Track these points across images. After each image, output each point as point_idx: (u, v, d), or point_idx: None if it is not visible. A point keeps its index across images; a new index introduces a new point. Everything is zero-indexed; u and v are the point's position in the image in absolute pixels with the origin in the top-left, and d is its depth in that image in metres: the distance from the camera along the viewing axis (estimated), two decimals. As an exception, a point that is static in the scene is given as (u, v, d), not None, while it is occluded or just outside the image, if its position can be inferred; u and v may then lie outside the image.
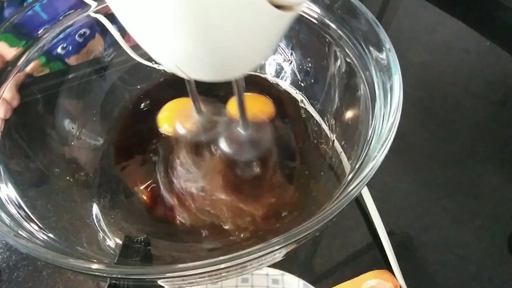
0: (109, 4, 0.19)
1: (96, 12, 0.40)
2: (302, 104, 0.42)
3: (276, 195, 0.35)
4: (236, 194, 0.33)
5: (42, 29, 0.37)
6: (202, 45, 0.18)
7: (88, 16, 0.40)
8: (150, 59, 0.45)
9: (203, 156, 0.33)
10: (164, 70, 0.46)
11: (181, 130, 0.32)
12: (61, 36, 0.38)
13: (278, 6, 0.17)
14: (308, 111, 0.42)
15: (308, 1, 0.37)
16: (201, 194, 0.33)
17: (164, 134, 0.39)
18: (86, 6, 0.39)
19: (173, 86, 0.44)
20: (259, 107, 0.40)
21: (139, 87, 0.46)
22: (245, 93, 0.28)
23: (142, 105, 0.44)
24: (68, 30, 0.39)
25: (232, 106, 0.38)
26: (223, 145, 0.31)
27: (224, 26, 0.17)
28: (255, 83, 0.45)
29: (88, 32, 0.41)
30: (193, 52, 0.19)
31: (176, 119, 0.35)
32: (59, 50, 0.40)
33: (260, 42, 0.20)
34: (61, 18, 0.38)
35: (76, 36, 0.41)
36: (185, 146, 0.34)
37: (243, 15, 0.17)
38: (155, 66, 0.46)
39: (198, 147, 0.33)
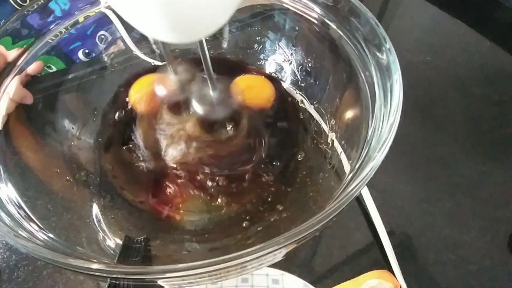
0: None
1: (106, 8, 0.41)
2: (302, 104, 0.42)
3: (245, 154, 0.37)
4: (210, 150, 0.36)
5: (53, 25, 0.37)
6: (161, 4, 0.19)
7: (99, 12, 0.40)
8: (153, 57, 0.46)
9: (180, 115, 0.36)
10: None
11: (161, 90, 0.34)
12: (74, 32, 0.39)
13: None
14: (308, 111, 0.42)
15: (308, 1, 0.37)
16: (180, 148, 0.36)
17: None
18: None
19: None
20: (257, 91, 0.41)
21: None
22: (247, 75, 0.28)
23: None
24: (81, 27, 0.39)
25: (240, 82, 0.40)
26: (195, 105, 0.32)
27: None
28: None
29: (109, 38, 0.42)
30: (154, 12, 0.20)
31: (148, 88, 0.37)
32: (80, 54, 0.41)
33: (217, 3, 0.20)
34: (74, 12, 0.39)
35: (97, 39, 0.42)
36: (165, 106, 0.37)
37: None
38: (157, 62, 0.46)
39: (176, 107, 0.36)
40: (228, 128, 0.37)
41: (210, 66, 0.29)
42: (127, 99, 0.42)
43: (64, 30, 0.38)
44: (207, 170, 0.36)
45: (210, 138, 0.36)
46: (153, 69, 0.45)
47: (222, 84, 0.32)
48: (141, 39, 0.45)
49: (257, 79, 0.44)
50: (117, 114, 0.42)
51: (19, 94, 0.35)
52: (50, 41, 0.37)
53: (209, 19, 0.22)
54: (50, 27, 0.37)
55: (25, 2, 0.41)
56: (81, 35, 0.40)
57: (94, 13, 0.40)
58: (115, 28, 0.43)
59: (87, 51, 0.42)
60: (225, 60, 0.47)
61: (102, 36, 0.42)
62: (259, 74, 0.45)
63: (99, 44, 0.42)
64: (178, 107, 0.36)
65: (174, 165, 0.37)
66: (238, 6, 0.22)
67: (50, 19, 0.37)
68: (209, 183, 0.37)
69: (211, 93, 0.32)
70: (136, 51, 0.45)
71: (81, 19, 0.39)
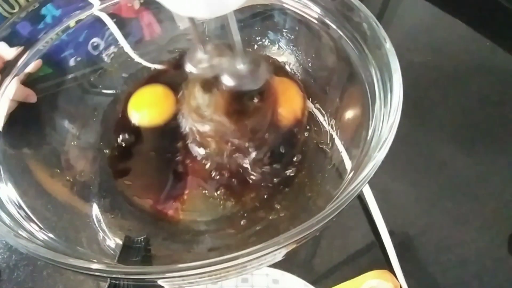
0: None
1: (100, 10, 0.40)
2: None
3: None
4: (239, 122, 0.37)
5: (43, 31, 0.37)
6: None
7: (91, 15, 0.40)
8: (150, 59, 0.46)
9: (211, 91, 0.36)
10: (163, 70, 0.46)
11: (191, 68, 0.34)
12: (66, 39, 0.39)
13: None
14: (308, 111, 0.42)
15: (308, 1, 0.37)
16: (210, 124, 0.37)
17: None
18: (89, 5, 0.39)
19: (172, 86, 0.44)
20: (289, 104, 0.41)
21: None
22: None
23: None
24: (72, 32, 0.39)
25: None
26: (226, 80, 0.33)
27: None
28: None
29: (102, 45, 0.42)
30: None
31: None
32: (71, 62, 0.40)
33: None
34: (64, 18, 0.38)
35: (89, 46, 0.41)
36: (197, 83, 0.37)
37: None
38: (155, 66, 0.46)
39: (207, 83, 0.36)
40: (255, 100, 0.38)
41: (239, 39, 0.29)
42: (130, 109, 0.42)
43: (56, 36, 0.38)
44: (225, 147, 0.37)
45: (239, 109, 0.37)
46: (154, 76, 0.46)
47: (251, 57, 0.33)
48: (138, 43, 0.45)
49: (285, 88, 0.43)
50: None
51: (22, 93, 0.35)
52: (41, 48, 0.37)
53: None
54: (40, 35, 0.37)
55: (14, 9, 0.41)
56: (73, 42, 0.40)
57: (86, 16, 0.39)
58: (109, 33, 0.42)
59: (79, 58, 0.41)
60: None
61: (95, 43, 0.42)
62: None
63: (91, 52, 0.42)
64: (209, 85, 0.37)
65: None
66: None
67: (41, 26, 0.36)
68: (216, 176, 0.37)
69: (241, 66, 0.33)
70: (133, 55, 0.44)
71: (72, 24, 0.39)
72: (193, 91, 0.37)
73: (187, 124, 0.39)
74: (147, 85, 0.44)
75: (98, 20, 0.41)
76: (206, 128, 0.37)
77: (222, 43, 0.34)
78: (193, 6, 0.23)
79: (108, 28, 0.42)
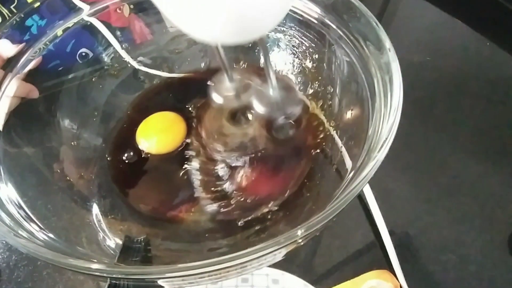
0: None
1: (89, 15, 0.39)
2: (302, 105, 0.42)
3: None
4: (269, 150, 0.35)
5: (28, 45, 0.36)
6: (221, 4, 0.18)
7: (80, 21, 0.39)
8: (144, 63, 0.45)
9: (239, 122, 0.35)
10: (162, 71, 0.46)
11: (218, 98, 0.32)
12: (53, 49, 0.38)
13: None
14: (308, 111, 0.42)
15: (308, 1, 0.37)
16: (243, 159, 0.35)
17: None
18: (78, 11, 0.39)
19: (170, 90, 0.44)
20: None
21: (138, 87, 0.46)
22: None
23: (141, 106, 0.44)
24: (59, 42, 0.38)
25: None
26: (257, 107, 0.32)
27: None
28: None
29: (90, 54, 0.41)
30: (215, 13, 0.19)
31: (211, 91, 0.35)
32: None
33: None
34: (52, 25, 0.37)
35: (77, 57, 0.41)
36: (223, 113, 0.36)
37: None
38: (152, 71, 0.46)
39: (235, 113, 0.35)
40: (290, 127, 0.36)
41: (271, 64, 0.28)
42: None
43: (44, 46, 0.37)
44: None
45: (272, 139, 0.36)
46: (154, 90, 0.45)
47: (281, 82, 0.31)
48: (132, 46, 0.44)
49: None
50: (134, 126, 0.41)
51: (24, 89, 0.35)
52: (30, 58, 0.36)
53: (272, 11, 0.21)
54: (25, 48, 0.36)
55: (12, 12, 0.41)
56: (60, 52, 0.39)
57: (73, 24, 0.38)
58: (99, 40, 0.42)
59: (84, 54, 0.41)
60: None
61: (83, 54, 0.42)
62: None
63: (79, 61, 0.42)
64: (236, 115, 0.35)
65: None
66: None
67: (26, 37, 0.36)
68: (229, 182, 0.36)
69: (272, 93, 0.31)
70: (129, 60, 0.44)
71: (59, 32, 0.38)
72: (219, 122, 0.36)
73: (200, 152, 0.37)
74: (158, 112, 0.43)
75: (85, 28, 0.40)
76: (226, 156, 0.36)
77: (248, 68, 0.33)
78: (219, 32, 0.21)
79: (95, 39, 0.41)
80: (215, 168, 0.37)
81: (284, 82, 0.32)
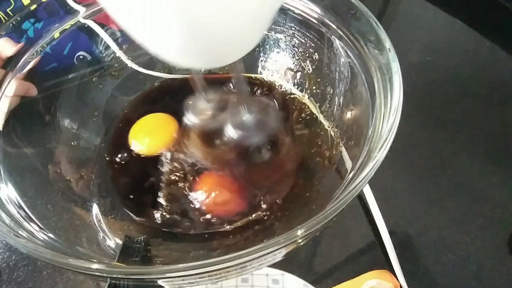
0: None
1: (85, 17, 0.39)
2: (301, 104, 0.42)
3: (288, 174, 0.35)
4: (249, 179, 0.34)
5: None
6: (191, 33, 0.18)
7: (77, 23, 0.39)
8: (143, 64, 0.45)
9: (215, 145, 0.34)
10: (162, 72, 0.46)
11: (193, 118, 0.32)
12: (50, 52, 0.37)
13: None
14: (308, 111, 0.42)
15: (308, 1, 0.37)
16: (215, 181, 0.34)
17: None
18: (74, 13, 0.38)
19: (169, 91, 0.44)
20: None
21: (138, 88, 0.46)
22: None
23: (139, 106, 0.44)
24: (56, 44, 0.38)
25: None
26: (231, 131, 0.31)
27: (210, 10, 0.17)
28: (257, 84, 0.45)
29: (88, 57, 0.41)
30: (184, 41, 0.19)
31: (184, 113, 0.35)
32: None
33: (248, 24, 0.19)
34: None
35: (75, 60, 0.40)
36: (197, 135, 0.35)
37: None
38: (152, 72, 0.46)
39: (209, 136, 0.34)
40: (264, 152, 0.35)
41: (245, 88, 0.27)
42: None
43: (41, 49, 0.36)
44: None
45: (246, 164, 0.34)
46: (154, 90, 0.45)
47: (258, 106, 0.31)
48: (133, 49, 0.44)
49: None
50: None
51: (22, 88, 0.35)
52: (29, 60, 0.36)
53: (243, 39, 0.20)
54: (23, 49, 0.35)
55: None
56: (57, 54, 0.39)
57: (70, 26, 0.38)
58: (97, 42, 0.42)
59: (81, 57, 0.41)
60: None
61: (81, 57, 0.41)
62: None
63: (76, 64, 0.41)
64: (212, 136, 0.34)
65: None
66: (271, 22, 0.21)
67: (23, 40, 0.35)
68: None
69: (247, 117, 0.30)
70: (128, 61, 0.44)
71: (56, 35, 0.37)
72: (193, 142, 0.35)
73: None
74: (150, 114, 0.42)
75: (86, 28, 0.40)
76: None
77: (226, 90, 0.32)
78: (190, 59, 0.21)
79: (92, 42, 0.41)
80: (182, 177, 0.36)
81: (262, 105, 0.31)
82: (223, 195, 0.35)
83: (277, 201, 0.35)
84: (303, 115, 0.42)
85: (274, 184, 0.36)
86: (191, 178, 0.36)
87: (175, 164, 0.36)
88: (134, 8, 0.18)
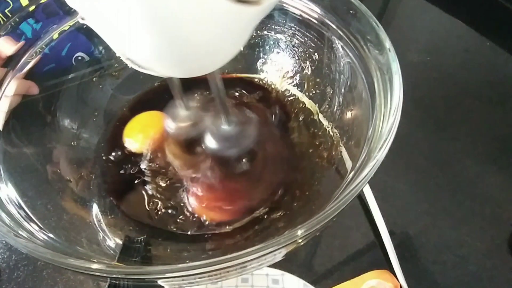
0: (75, 8, 0.18)
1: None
2: (301, 105, 0.42)
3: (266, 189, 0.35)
4: (226, 189, 0.33)
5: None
6: (165, 42, 0.18)
7: (76, 23, 0.38)
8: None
9: (193, 153, 0.33)
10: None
11: (171, 127, 0.31)
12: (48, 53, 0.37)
13: (242, 1, 0.16)
14: (308, 111, 0.42)
15: (308, 1, 0.37)
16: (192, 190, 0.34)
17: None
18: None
19: (169, 91, 0.44)
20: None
21: (138, 88, 0.46)
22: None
23: (138, 106, 0.44)
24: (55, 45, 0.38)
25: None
26: (209, 141, 0.30)
27: (182, 22, 0.17)
28: (254, 84, 0.45)
29: (86, 58, 0.41)
30: (158, 49, 0.19)
31: (160, 122, 0.35)
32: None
33: (222, 37, 0.19)
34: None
35: (73, 60, 0.40)
36: (175, 144, 0.34)
37: (198, 9, 0.16)
38: (149, 72, 0.45)
39: (188, 144, 0.33)
40: (243, 162, 0.34)
41: (224, 99, 0.27)
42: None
43: (40, 50, 0.36)
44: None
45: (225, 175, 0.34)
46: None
47: (238, 117, 0.30)
48: None
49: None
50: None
51: (23, 86, 0.35)
52: (28, 61, 0.35)
53: (220, 51, 0.20)
54: (20, 52, 0.35)
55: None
56: (55, 55, 0.39)
57: (69, 26, 0.37)
58: (96, 43, 0.41)
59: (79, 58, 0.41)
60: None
61: (79, 57, 0.41)
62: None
63: (75, 64, 0.41)
64: (190, 145, 0.34)
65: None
66: (249, 35, 0.20)
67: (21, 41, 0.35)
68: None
69: (226, 128, 0.30)
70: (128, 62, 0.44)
71: (55, 35, 0.37)
72: (171, 149, 0.34)
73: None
74: (144, 112, 0.42)
75: (85, 28, 0.39)
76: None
77: (207, 97, 0.31)
78: (166, 68, 0.21)
79: (91, 42, 0.41)
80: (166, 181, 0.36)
81: (241, 116, 0.31)
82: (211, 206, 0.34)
83: (277, 200, 0.35)
84: (302, 115, 0.42)
85: (256, 194, 0.35)
86: (173, 183, 0.35)
87: (157, 167, 0.36)
88: (106, 13, 0.17)
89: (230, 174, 0.34)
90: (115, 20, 0.17)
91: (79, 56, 0.41)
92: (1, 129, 0.33)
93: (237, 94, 0.44)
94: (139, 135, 0.40)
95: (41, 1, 0.36)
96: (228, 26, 0.18)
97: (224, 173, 0.34)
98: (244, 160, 0.34)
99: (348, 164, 0.33)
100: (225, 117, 0.29)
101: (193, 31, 0.17)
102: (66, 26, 0.38)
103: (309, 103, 0.42)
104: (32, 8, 0.36)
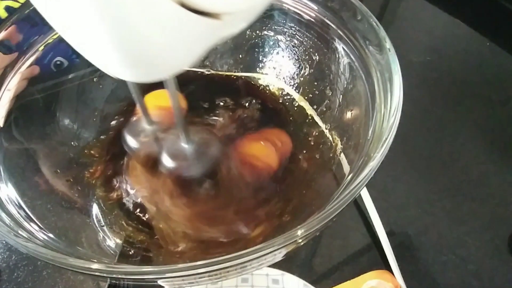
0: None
1: None
2: (301, 105, 0.42)
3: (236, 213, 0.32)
4: (189, 212, 0.31)
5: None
6: (116, 43, 0.17)
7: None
8: None
9: (154, 171, 0.31)
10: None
11: (132, 141, 0.30)
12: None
13: (198, 12, 0.16)
14: (307, 111, 0.42)
15: (308, 1, 0.37)
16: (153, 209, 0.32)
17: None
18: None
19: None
20: (262, 150, 0.35)
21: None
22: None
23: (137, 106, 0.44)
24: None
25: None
26: (166, 160, 0.28)
27: (132, 24, 0.16)
28: (256, 85, 0.45)
29: (66, 63, 0.39)
30: (109, 49, 0.18)
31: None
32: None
33: (171, 42, 0.18)
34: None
35: (52, 65, 0.39)
36: (137, 160, 0.32)
37: (147, 13, 0.16)
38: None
39: (150, 161, 0.31)
40: (206, 185, 0.32)
41: (181, 113, 0.25)
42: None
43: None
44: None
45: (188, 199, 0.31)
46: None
47: (199, 136, 0.28)
48: None
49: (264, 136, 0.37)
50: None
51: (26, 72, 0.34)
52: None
53: (169, 57, 0.19)
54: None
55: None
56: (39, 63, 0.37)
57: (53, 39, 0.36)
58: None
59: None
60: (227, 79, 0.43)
61: (58, 62, 0.40)
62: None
63: (53, 70, 0.40)
64: (152, 162, 0.31)
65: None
66: (209, 45, 0.19)
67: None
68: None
69: (185, 146, 0.28)
70: None
71: (41, 48, 0.36)
72: (135, 169, 0.32)
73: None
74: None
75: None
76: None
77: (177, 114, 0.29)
78: (111, 65, 0.19)
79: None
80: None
81: (203, 134, 0.29)
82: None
83: (276, 201, 0.35)
84: (302, 115, 0.42)
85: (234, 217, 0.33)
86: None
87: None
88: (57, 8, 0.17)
89: (196, 197, 0.32)
90: (66, 14, 0.17)
91: (57, 60, 0.40)
92: (1, 129, 0.33)
93: (232, 95, 0.44)
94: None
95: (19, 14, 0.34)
96: (179, 32, 0.17)
97: (188, 196, 0.31)
98: (208, 181, 0.32)
99: (348, 164, 0.33)
100: (183, 134, 0.27)
101: (139, 25, 0.17)
102: (50, 38, 0.37)
103: (308, 103, 0.42)
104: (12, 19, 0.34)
